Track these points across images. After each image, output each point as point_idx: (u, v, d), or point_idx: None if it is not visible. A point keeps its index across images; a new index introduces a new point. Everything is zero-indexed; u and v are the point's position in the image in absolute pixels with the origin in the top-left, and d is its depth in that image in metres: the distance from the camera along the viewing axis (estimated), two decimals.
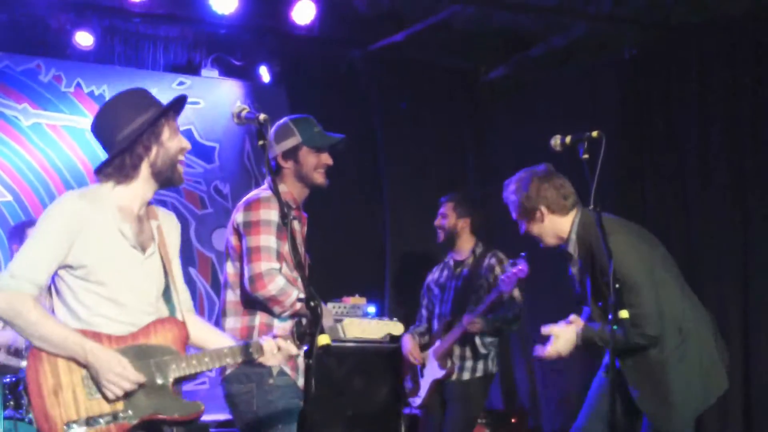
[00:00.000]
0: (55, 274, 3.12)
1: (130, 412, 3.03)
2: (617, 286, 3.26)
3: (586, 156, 3.54)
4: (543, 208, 4.11)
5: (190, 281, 7.26)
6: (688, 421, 3.99)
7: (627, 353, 3.85)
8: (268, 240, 3.87)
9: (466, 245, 5.92)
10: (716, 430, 5.83)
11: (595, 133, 3.53)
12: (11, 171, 6.81)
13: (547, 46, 7.00)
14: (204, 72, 7.38)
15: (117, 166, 3.17)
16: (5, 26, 6.59)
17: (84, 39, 6.74)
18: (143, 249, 3.22)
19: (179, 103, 3.30)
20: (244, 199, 4.08)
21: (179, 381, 3.16)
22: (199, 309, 7.24)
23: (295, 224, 4.02)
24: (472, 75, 7.76)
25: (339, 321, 3.51)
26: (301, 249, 3.99)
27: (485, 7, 6.55)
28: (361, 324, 3.52)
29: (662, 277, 3.96)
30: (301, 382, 3.86)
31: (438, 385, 5.84)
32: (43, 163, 6.90)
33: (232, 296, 4.01)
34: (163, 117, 3.20)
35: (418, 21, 6.77)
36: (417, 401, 5.98)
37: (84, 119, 6.91)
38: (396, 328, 3.58)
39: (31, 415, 4.64)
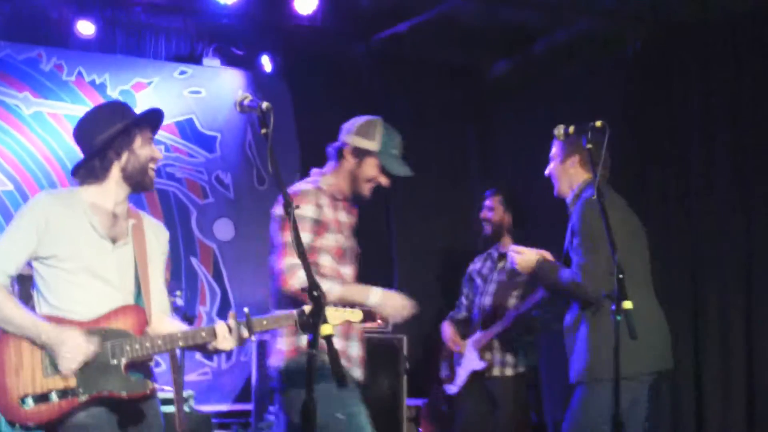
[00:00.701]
0: (32, 266, 3.42)
1: (80, 389, 3.25)
2: (621, 276, 3.25)
3: (589, 146, 3.54)
4: (577, 157, 4.24)
5: (191, 271, 7.26)
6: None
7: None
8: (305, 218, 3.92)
9: (509, 239, 5.93)
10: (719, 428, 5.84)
11: (598, 123, 3.52)
12: (12, 160, 6.80)
13: (550, 41, 6.98)
14: (206, 61, 7.37)
15: (89, 167, 3.48)
16: (6, 15, 6.58)
17: (85, 28, 6.73)
18: (113, 241, 3.47)
19: (153, 116, 3.58)
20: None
21: (133, 363, 3.34)
22: (200, 299, 7.24)
23: (342, 215, 4.15)
24: (475, 70, 7.74)
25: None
26: (350, 240, 4.21)
27: (489, 2, 6.52)
28: (337, 311, 3.64)
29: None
30: (357, 373, 4.03)
31: (476, 376, 5.82)
32: (44, 151, 6.90)
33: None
34: (137, 127, 3.49)
35: (421, 14, 6.75)
36: (452, 389, 5.97)
37: (85, 108, 6.85)
38: (354, 315, 3.66)
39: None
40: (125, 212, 3.55)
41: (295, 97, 7.63)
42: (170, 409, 5.29)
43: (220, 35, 7.27)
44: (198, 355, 7.03)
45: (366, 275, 7.20)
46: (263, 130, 3.09)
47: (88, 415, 3.27)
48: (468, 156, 8.03)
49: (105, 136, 3.45)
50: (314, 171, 4.24)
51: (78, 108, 6.94)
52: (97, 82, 7.07)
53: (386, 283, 7.35)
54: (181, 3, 6.76)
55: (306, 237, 3.87)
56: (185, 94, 7.37)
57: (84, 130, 3.54)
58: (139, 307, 3.45)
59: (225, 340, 3.39)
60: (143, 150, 3.49)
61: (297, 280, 3.81)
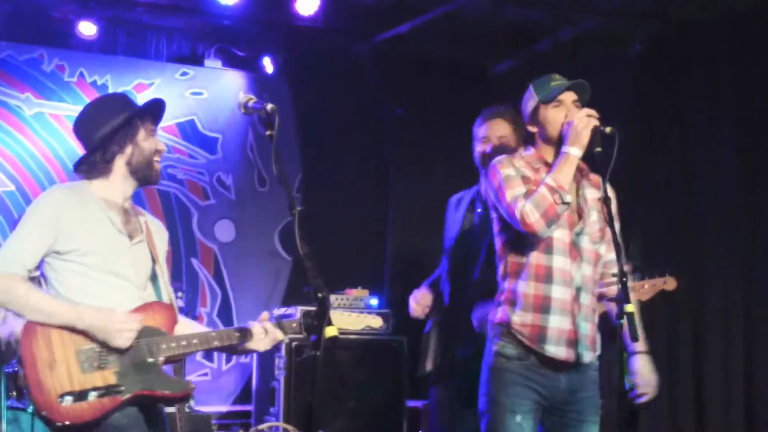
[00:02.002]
0: (44, 263, 3.29)
1: (122, 387, 3.13)
2: (624, 279, 3.24)
3: (598, 149, 3.53)
4: None
5: (192, 272, 7.26)
6: None
7: None
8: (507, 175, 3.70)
9: None
10: (719, 428, 5.84)
11: (608, 129, 3.51)
12: (14, 160, 6.80)
13: (555, 40, 6.96)
14: (207, 62, 7.37)
15: (91, 162, 3.38)
16: (8, 16, 6.57)
17: (87, 29, 6.72)
18: (130, 237, 3.38)
19: (155, 106, 3.48)
20: None
21: (168, 361, 3.27)
22: (201, 300, 7.23)
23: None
24: (479, 68, 7.73)
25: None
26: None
27: (493, 1, 6.51)
28: (342, 316, 3.63)
29: None
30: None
31: None
32: (45, 152, 6.89)
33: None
34: (139, 119, 3.39)
35: (425, 12, 6.74)
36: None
37: None
38: (375, 321, 3.64)
39: (33, 407, 4.66)
40: (132, 208, 3.47)
41: (296, 98, 7.63)
42: (170, 409, 5.29)
43: (221, 36, 7.27)
44: (199, 356, 7.03)
45: (362, 268, 7.26)
46: (268, 132, 3.06)
47: (123, 415, 3.16)
48: (471, 152, 8.02)
49: (107, 129, 3.35)
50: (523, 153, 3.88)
51: (79, 109, 6.93)
52: (99, 83, 7.07)
53: (380, 276, 7.45)
54: (182, 4, 6.75)
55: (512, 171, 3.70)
56: (187, 95, 7.37)
57: (84, 124, 3.44)
58: (167, 305, 3.37)
59: (260, 342, 3.35)
60: (147, 142, 3.41)
61: (525, 204, 3.56)
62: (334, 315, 3.48)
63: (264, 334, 3.35)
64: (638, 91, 6.48)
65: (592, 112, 3.62)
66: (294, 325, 3.43)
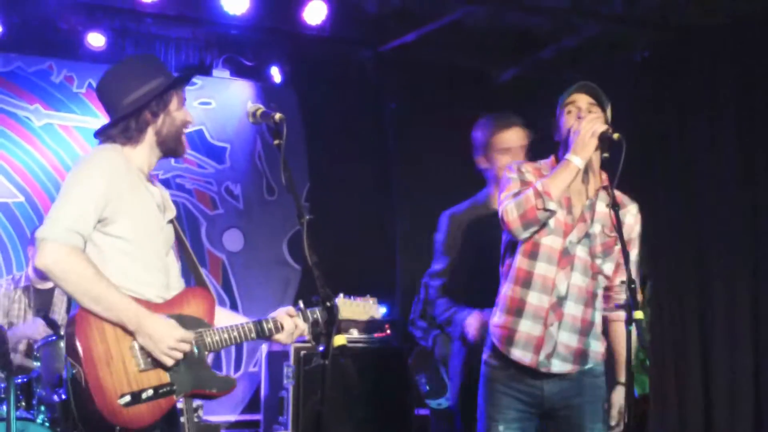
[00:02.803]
0: None
1: (176, 386, 3.00)
2: (633, 286, 3.25)
3: (606, 155, 3.54)
4: None
5: None
6: None
7: None
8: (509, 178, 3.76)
9: None
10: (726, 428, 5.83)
11: (616, 136, 3.52)
12: (23, 172, 6.83)
13: (558, 47, 6.98)
14: (215, 72, 7.39)
15: (122, 128, 3.14)
16: (17, 28, 6.59)
17: (96, 40, 6.75)
18: (163, 211, 3.22)
19: (189, 74, 3.36)
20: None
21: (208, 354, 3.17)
22: None
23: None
24: (483, 76, 7.74)
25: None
26: None
27: (497, 8, 6.53)
28: (351, 305, 3.57)
29: None
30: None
31: None
32: (54, 163, 6.92)
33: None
34: (174, 87, 3.20)
35: (430, 21, 6.76)
36: (444, 402, 5.94)
37: (96, 120, 6.92)
38: (376, 310, 3.62)
39: (43, 416, 4.68)
40: (153, 181, 3.26)
41: (303, 107, 7.65)
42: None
43: (229, 46, 7.29)
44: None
45: (371, 276, 7.26)
46: (276, 141, 3.02)
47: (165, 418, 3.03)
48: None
49: (139, 94, 3.12)
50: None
51: (89, 120, 6.98)
52: None
53: (390, 285, 7.45)
54: (190, 14, 6.77)
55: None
56: (195, 105, 7.39)
57: (112, 86, 3.18)
58: (205, 291, 3.23)
59: (289, 336, 3.27)
60: (179, 113, 3.20)
61: (508, 212, 3.59)
62: (343, 304, 3.52)
63: (294, 329, 3.27)
64: (640, 98, 6.50)
65: (600, 116, 3.62)
66: (315, 315, 3.33)
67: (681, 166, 6.25)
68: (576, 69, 7.02)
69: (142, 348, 2.96)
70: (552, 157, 3.79)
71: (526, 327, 3.63)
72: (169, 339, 2.95)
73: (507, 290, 3.70)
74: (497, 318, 3.72)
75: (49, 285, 5.80)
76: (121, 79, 3.18)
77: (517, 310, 3.65)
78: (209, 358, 3.15)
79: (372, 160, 7.79)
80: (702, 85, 6.18)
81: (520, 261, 3.67)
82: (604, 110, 3.70)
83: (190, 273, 3.39)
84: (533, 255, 3.65)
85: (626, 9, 6.28)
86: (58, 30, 6.75)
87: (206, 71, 7.27)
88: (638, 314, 3.22)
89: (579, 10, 6.43)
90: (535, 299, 3.63)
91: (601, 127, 3.53)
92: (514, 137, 4.50)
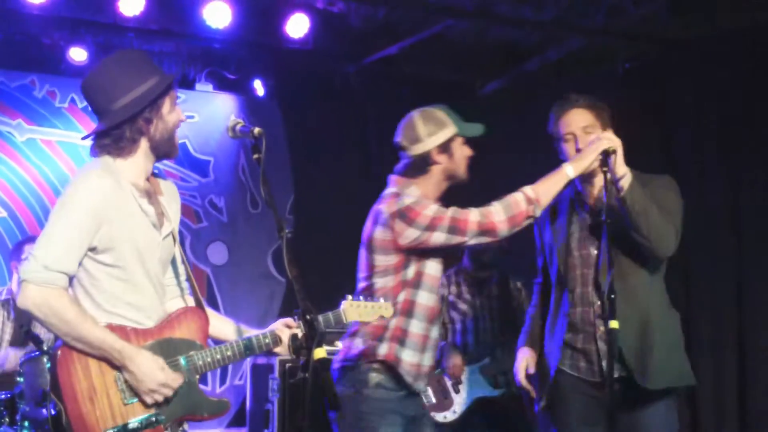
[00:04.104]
0: None
1: (163, 416, 2.95)
2: (612, 296, 3.29)
3: (605, 169, 3.60)
4: None
5: None
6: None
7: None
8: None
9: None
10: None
11: (610, 149, 3.63)
12: (6, 187, 6.81)
13: (542, 60, 7.02)
14: (198, 86, 7.40)
15: (115, 137, 2.97)
16: None
17: (78, 55, 6.75)
18: (160, 227, 3.07)
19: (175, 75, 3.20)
20: (389, 203, 3.81)
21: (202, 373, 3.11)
22: None
23: None
24: (467, 88, 7.77)
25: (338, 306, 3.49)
26: None
27: (480, 21, 6.56)
28: (359, 307, 3.52)
29: None
30: (422, 384, 3.70)
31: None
32: (37, 178, 6.91)
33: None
34: (168, 92, 3.04)
35: (413, 35, 6.79)
36: (447, 416, 5.96)
37: (78, 134, 6.91)
38: (386, 310, 3.55)
39: None
40: (153, 187, 3.11)
41: (287, 120, 7.66)
42: None
43: (212, 60, 7.30)
44: None
45: (352, 285, 7.24)
46: (255, 155, 2.94)
47: None
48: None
49: (132, 98, 2.94)
50: (395, 189, 3.87)
51: (71, 134, 6.97)
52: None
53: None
54: (173, 28, 6.78)
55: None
56: None
57: (101, 87, 2.98)
58: (197, 309, 3.15)
59: (287, 348, 3.08)
60: (171, 115, 3.03)
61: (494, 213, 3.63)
62: (350, 306, 3.47)
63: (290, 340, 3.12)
64: (623, 110, 6.53)
65: (612, 137, 3.72)
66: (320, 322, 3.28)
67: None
68: (559, 81, 7.06)
69: (126, 381, 2.91)
70: (421, 188, 3.85)
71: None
72: (151, 382, 2.89)
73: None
74: None
75: None
76: (112, 79, 2.96)
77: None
78: (198, 380, 3.06)
79: (355, 172, 7.80)
80: (684, 97, 6.22)
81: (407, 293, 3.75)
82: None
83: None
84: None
85: (608, 22, 6.32)
86: (40, 45, 6.75)
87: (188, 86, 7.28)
88: (613, 324, 3.26)
89: (562, 23, 6.47)
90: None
91: (605, 146, 3.64)
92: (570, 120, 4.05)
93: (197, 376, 3.04)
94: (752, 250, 5.82)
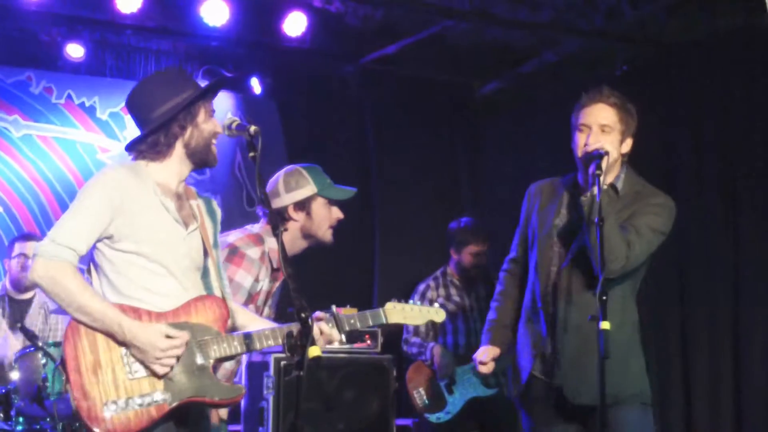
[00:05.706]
0: (95, 248, 3.09)
1: (169, 394, 2.98)
2: (605, 298, 3.30)
3: (599, 172, 3.58)
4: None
5: None
6: None
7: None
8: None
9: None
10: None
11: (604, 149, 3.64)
12: (2, 183, 6.80)
13: (539, 61, 7.04)
14: None
15: (151, 143, 3.17)
16: None
17: (75, 51, 6.74)
18: (185, 225, 3.20)
19: (217, 86, 3.33)
20: (236, 237, 3.86)
21: (219, 362, 3.15)
22: None
23: (266, 284, 3.96)
24: (465, 89, 7.79)
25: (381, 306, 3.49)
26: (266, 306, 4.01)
27: (478, 23, 6.57)
28: (404, 310, 3.51)
29: None
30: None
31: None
32: (33, 174, 6.89)
33: None
34: (201, 99, 3.21)
35: (411, 35, 6.80)
36: (441, 416, 5.98)
37: (75, 131, 6.91)
38: (438, 314, 3.54)
39: (21, 427, 4.67)
40: (185, 191, 3.29)
41: (284, 118, 7.65)
42: None
43: (209, 58, 7.29)
44: None
45: (349, 287, 7.25)
46: (251, 154, 3.02)
47: (166, 428, 3.00)
48: (458, 174, 8.06)
49: (168, 107, 3.14)
50: (254, 234, 3.91)
51: (68, 131, 6.96)
52: (87, 104, 7.08)
53: (368, 295, 7.46)
54: (170, 26, 6.78)
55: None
56: None
57: (141, 100, 3.21)
58: (219, 299, 3.20)
59: (317, 340, 3.15)
60: (207, 124, 3.21)
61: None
62: (394, 308, 3.50)
63: (319, 334, 3.19)
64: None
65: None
66: (352, 321, 3.33)
67: (661, 179, 6.29)
68: (557, 83, 7.08)
69: (133, 356, 2.98)
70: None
71: None
72: (155, 350, 2.95)
73: None
74: None
75: (25, 296, 5.80)
76: (150, 92, 3.21)
77: None
78: (213, 365, 3.08)
79: (352, 171, 7.80)
80: (682, 99, 6.23)
81: None
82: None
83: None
84: None
85: (606, 24, 6.34)
86: (38, 41, 6.75)
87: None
88: (605, 324, 3.27)
89: (559, 25, 6.49)
90: None
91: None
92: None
93: (211, 361, 3.06)
94: (749, 250, 5.83)
